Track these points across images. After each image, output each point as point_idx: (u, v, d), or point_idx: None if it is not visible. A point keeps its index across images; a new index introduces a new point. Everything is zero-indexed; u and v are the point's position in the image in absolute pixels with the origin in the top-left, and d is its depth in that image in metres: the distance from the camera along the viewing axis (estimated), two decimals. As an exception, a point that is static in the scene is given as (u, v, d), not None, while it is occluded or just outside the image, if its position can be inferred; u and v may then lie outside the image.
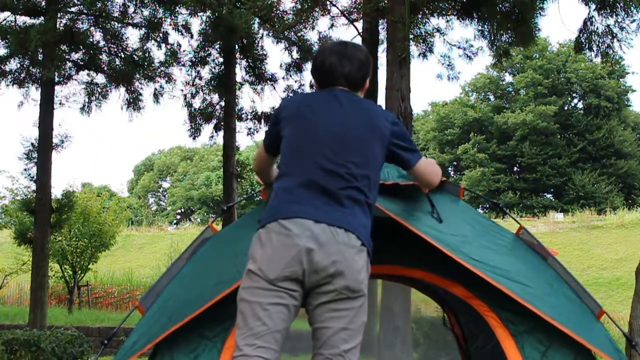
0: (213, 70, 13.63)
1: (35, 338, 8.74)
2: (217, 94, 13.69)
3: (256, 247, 2.37)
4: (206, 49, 13.29)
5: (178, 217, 53.04)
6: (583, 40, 10.60)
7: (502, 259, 2.96)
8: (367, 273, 2.42)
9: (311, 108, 2.55)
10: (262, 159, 2.83)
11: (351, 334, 2.35)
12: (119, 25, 12.55)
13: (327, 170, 2.40)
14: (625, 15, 10.08)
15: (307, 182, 2.39)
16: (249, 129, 14.22)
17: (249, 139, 26.57)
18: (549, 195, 42.59)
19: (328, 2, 12.76)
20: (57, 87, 12.16)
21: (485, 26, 11.45)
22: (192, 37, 13.01)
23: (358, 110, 2.55)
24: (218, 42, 12.60)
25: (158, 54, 23.00)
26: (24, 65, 12.06)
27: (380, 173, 2.57)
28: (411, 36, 10.34)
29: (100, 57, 12.53)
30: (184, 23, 12.75)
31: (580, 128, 41.77)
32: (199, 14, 11.85)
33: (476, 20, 11.36)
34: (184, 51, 13.28)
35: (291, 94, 14.22)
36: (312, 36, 13.76)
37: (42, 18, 11.36)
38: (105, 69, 12.55)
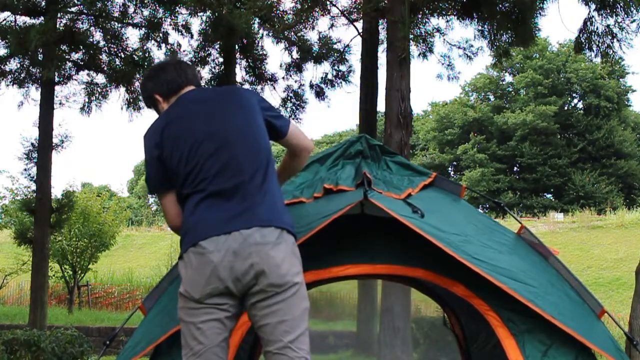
0: (213, 70, 13.64)
1: (35, 338, 8.74)
2: (217, 94, 13.67)
3: (181, 267, 2.45)
4: (206, 49, 13.29)
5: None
6: (583, 40, 10.61)
7: (504, 258, 2.96)
8: (294, 259, 2.43)
9: (177, 122, 2.56)
10: (171, 207, 2.59)
11: (291, 324, 2.37)
12: (119, 25, 12.55)
13: (220, 174, 2.43)
14: (625, 15, 10.10)
15: (210, 194, 2.42)
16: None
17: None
18: (549, 195, 42.58)
19: (328, 2, 12.77)
20: (57, 87, 12.16)
21: (485, 26, 11.47)
22: (192, 37, 13.02)
23: (222, 95, 2.62)
24: (218, 42, 12.60)
25: (158, 54, 22.97)
26: (24, 65, 12.06)
27: (266, 139, 2.58)
28: (411, 36, 10.35)
29: (100, 57, 12.53)
30: (184, 23, 12.76)
31: (580, 128, 41.76)
32: (199, 14, 11.85)
33: (476, 20, 11.38)
34: (184, 51, 13.28)
35: (290, 94, 14.23)
36: (312, 36, 13.76)
37: (42, 18, 11.36)
38: (105, 69, 12.55)
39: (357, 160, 3.28)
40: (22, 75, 12.15)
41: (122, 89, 12.84)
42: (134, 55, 12.61)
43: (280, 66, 14.09)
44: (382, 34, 12.67)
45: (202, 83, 13.18)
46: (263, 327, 2.38)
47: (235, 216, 2.37)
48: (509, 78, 45.13)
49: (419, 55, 12.27)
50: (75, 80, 12.59)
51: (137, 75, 12.75)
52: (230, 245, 2.33)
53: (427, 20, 11.95)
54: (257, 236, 2.34)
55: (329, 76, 14.22)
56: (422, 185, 3.17)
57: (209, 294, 2.36)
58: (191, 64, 2.88)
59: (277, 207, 2.45)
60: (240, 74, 13.83)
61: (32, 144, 12.18)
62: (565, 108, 42.96)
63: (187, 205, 2.48)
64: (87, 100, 12.72)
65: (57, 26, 11.49)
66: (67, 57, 12.16)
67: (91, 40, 12.25)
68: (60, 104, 12.45)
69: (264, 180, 2.46)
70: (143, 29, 12.62)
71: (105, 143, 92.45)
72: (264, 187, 2.45)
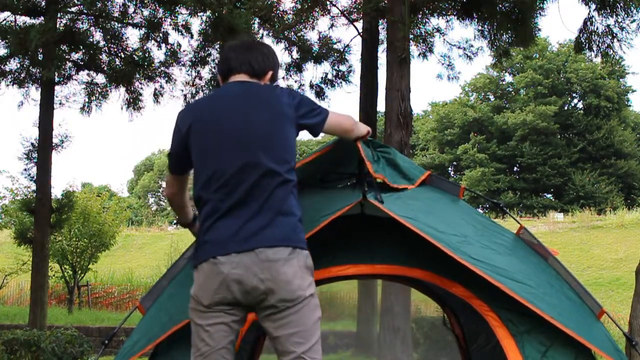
0: (213, 70, 13.62)
1: (35, 338, 8.74)
2: (217, 94, 13.66)
3: (194, 272, 2.46)
4: (206, 49, 13.27)
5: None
6: (583, 40, 10.61)
7: (503, 258, 2.96)
8: (306, 271, 2.43)
9: (206, 114, 2.54)
10: (172, 184, 2.75)
11: (304, 335, 2.39)
12: (119, 25, 12.52)
13: (240, 185, 2.41)
14: (625, 15, 10.09)
15: (229, 207, 2.40)
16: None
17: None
18: (549, 195, 42.59)
19: (328, 2, 12.77)
20: (57, 87, 12.13)
21: (485, 26, 11.47)
22: (192, 37, 12.98)
23: (259, 100, 2.55)
24: (218, 42, 12.58)
25: (158, 54, 22.94)
26: (24, 65, 12.03)
27: (292, 149, 2.55)
28: (411, 36, 10.36)
29: (100, 57, 12.50)
30: (184, 23, 12.71)
31: (580, 128, 41.78)
32: (199, 14, 11.83)
33: (476, 20, 11.38)
34: (184, 51, 13.25)
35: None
36: (312, 36, 13.73)
37: (42, 18, 11.34)
38: (105, 69, 12.53)
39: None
40: (22, 75, 12.12)
41: (122, 89, 12.81)
42: (134, 55, 12.59)
43: (280, 66, 14.07)
44: (382, 34, 12.66)
45: (202, 83, 13.03)
46: (276, 338, 2.41)
47: (251, 235, 2.36)
48: (509, 78, 45.18)
49: (419, 55, 12.28)
50: (75, 80, 12.57)
51: (137, 75, 12.75)
52: (242, 259, 2.34)
53: (427, 20, 11.95)
54: (269, 252, 2.35)
55: (329, 76, 14.22)
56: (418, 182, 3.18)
57: (218, 302, 2.39)
58: (267, 47, 2.78)
59: (293, 225, 2.44)
60: (240, 74, 13.81)
61: (32, 144, 12.15)
62: (565, 108, 42.98)
63: (204, 212, 2.46)
64: (87, 100, 12.70)
65: (57, 26, 11.45)
66: (67, 57, 12.13)
67: (91, 40, 12.22)
68: (60, 104, 12.42)
69: (285, 195, 2.44)
70: (143, 29, 12.59)
71: (105, 143, 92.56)
72: (284, 204, 2.43)
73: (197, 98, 2.76)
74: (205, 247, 2.42)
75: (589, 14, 10.43)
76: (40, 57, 11.38)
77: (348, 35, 43.22)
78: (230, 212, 2.40)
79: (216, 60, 13.56)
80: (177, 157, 2.63)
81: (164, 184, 57.40)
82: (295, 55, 13.91)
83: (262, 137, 2.46)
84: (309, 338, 2.39)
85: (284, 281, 2.35)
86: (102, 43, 12.57)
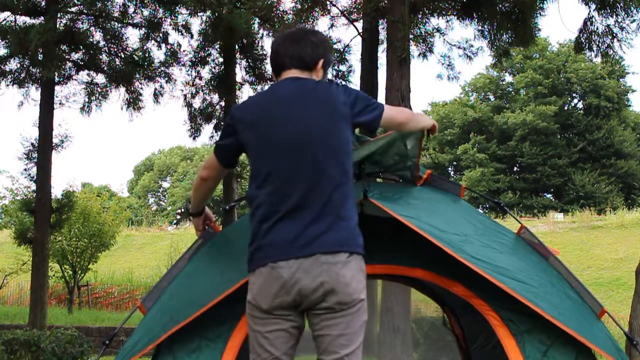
0: (213, 70, 13.62)
1: (35, 338, 8.75)
2: (217, 94, 13.68)
3: (251, 276, 2.43)
4: (206, 49, 13.27)
5: (178, 217, 53.02)
6: (583, 40, 10.59)
7: (504, 257, 2.96)
8: (362, 275, 2.45)
9: (266, 115, 2.48)
10: (211, 168, 2.69)
11: (350, 338, 2.39)
12: (119, 25, 12.54)
13: (299, 188, 2.37)
14: (625, 15, 10.08)
15: (288, 210, 2.36)
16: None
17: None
18: (549, 195, 42.59)
19: (328, 2, 12.75)
20: (57, 87, 12.15)
21: (485, 26, 11.45)
22: (192, 37, 13.00)
23: (315, 100, 2.48)
24: (218, 42, 12.59)
25: (158, 54, 22.96)
26: (24, 65, 12.04)
27: (350, 152, 2.50)
28: (411, 36, 10.34)
29: (100, 57, 12.51)
30: (184, 23, 12.74)
31: (580, 128, 41.77)
32: (199, 14, 11.84)
33: (476, 20, 11.36)
34: (184, 51, 13.26)
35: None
36: (312, 36, 13.66)
37: (42, 18, 11.35)
38: (105, 69, 12.54)
39: None
40: (22, 75, 12.13)
41: (122, 89, 12.83)
42: (134, 55, 12.60)
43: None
44: (382, 34, 12.65)
45: (202, 83, 12.99)
46: (323, 336, 2.39)
47: (311, 240, 2.34)
48: (509, 78, 45.16)
49: (419, 55, 12.26)
50: (75, 80, 12.58)
51: (137, 75, 12.75)
52: (302, 263, 2.33)
53: (427, 20, 11.94)
54: (328, 257, 2.34)
55: (329, 76, 14.21)
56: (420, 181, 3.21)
57: (277, 306, 2.37)
58: (315, 35, 2.65)
59: (351, 230, 2.42)
60: (240, 74, 13.83)
61: (32, 144, 12.16)
62: (565, 108, 42.97)
63: (259, 214, 2.41)
64: (87, 100, 12.71)
65: (57, 26, 11.46)
66: (67, 57, 12.13)
67: (91, 40, 12.23)
68: (60, 104, 12.44)
69: (343, 198, 2.40)
70: (143, 29, 12.60)
71: (105, 143, 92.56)
72: (343, 208, 2.40)
73: (252, 95, 2.70)
74: (263, 250, 2.38)
75: (589, 14, 10.43)
76: (40, 57, 11.39)
77: (348, 35, 43.33)
78: (289, 215, 2.36)
79: (216, 60, 13.58)
80: (224, 150, 2.61)
81: (165, 184, 57.55)
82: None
83: (318, 138, 2.41)
84: (354, 341, 2.40)
85: (343, 283, 2.35)
86: (102, 43, 12.58)
